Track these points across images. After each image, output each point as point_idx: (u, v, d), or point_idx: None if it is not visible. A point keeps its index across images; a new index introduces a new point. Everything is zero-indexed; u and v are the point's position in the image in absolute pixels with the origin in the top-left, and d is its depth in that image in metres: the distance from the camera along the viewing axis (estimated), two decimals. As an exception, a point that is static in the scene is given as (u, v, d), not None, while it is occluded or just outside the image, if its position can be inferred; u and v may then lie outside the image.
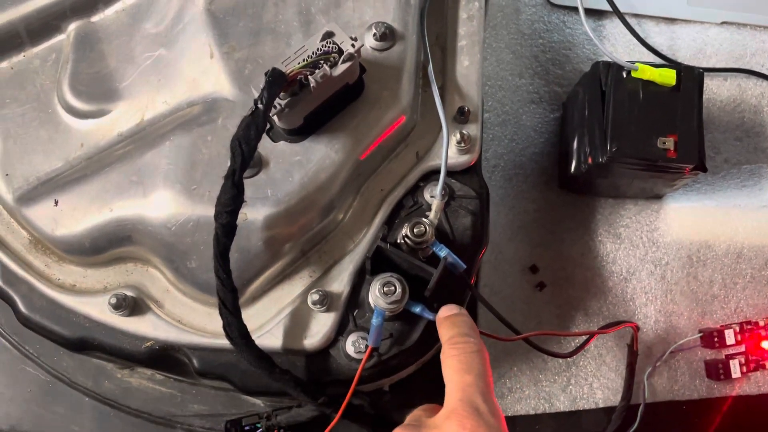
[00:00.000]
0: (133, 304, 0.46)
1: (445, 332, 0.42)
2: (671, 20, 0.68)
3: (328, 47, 0.42)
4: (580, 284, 0.61)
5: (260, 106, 0.39)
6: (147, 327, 0.46)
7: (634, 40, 0.66)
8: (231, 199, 0.40)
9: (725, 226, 0.62)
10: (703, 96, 0.66)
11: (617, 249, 0.62)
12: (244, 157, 0.40)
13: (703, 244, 0.62)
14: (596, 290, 0.61)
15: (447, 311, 0.43)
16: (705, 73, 0.66)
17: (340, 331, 0.47)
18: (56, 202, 0.46)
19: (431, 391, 0.58)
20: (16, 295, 0.48)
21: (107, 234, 0.46)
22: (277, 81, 0.40)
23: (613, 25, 0.68)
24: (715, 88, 0.67)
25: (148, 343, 0.47)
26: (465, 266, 0.45)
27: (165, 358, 0.48)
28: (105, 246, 0.47)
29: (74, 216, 0.46)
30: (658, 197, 0.63)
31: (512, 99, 0.66)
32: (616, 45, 0.67)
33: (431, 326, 0.47)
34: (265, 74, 0.40)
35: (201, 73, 0.47)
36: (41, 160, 0.48)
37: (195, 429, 0.57)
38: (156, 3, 0.50)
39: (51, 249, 0.48)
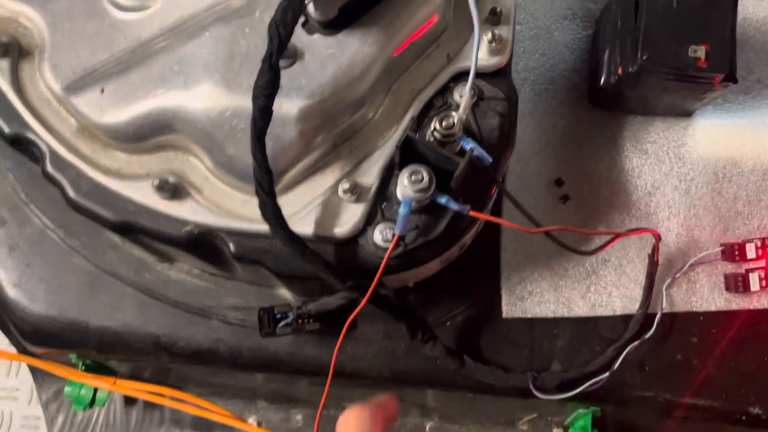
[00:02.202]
0: (174, 189, 0.49)
1: None
2: (712, -63, 0.67)
3: (362, -62, 0.43)
4: (604, 198, 0.62)
5: (297, -10, 0.41)
6: (187, 211, 0.49)
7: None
8: (268, 83, 0.42)
9: (753, 143, 0.62)
10: (740, 16, 0.65)
11: (643, 164, 0.63)
12: (281, 40, 0.41)
13: (729, 161, 0.62)
14: (620, 204, 0.62)
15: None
16: (743, -9, 0.66)
17: (369, 222, 0.49)
18: (102, 91, 0.49)
19: (454, 290, 0.61)
20: (65, 179, 0.50)
21: (150, 122, 0.48)
22: (314, -33, 0.41)
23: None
24: (751, 8, 0.66)
25: (188, 228, 0.50)
26: (491, 159, 0.47)
27: (203, 243, 0.50)
28: (148, 133, 0.49)
29: (119, 104, 0.49)
30: (687, 114, 0.63)
31: (545, 14, 0.66)
32: (654, -40, 0.66)
33: (456, 219, 0.49)
34: (303, -40, 0.41)
35: (240, -31, 0.49)
36: (87, 52, 0.50)
37: (229, 320, 0.61)
38: None
39: (97, 136, 0.50)
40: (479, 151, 0.46)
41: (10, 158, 0.63)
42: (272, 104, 0.43)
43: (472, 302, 0.60)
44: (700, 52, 0.53)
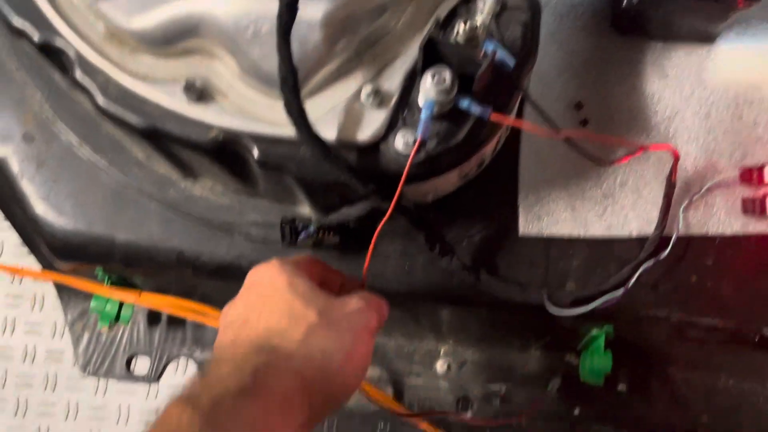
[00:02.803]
0: (200, 92, 0.50)
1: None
2: None
3: None
4: (624, 121, 0.62)
5: None
6: (212, 115, 0.50)
7: None
8: (294, -23, 0.43)
9: (776, 68, 0.62)
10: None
11: (663, 88, 0.63)
12: (308, -66, 0.42)
13: (751, 85, 0.62)
14: (639, 128, 0.62)
15: None
16: None
17: (390, 128, 0.50)
18: (132, -6, 0.50)
19: (472, 209, 0.62)
20: (93, 84, 0.51)
21: (176, 26, 0.49)
22: None
23: None
24: (779, -67, 0.65)
25: (213, 133, 0.51)
26: (514, 62, 0.47)
27: (227, 149, 0.51)
28: (175, 37, 0.50)
29: (146, 8, 0.49)
30: (710, 39, 0.63)
31: (569, -63, 0.65)
32: None
33: (477, 126, 0.49)
34: None
35: None
36: (115, -42, 0.51)
37: (252, 235, 0.62)
38: None
39: (125, 41, 0.51)
40: (502, 54, 0.47)
41: (38, 76, 0.65)
42: (297, 1, 0.43)
43: (489, 221, 0.61)
44: (724, -33, 0.53)
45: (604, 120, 0.63)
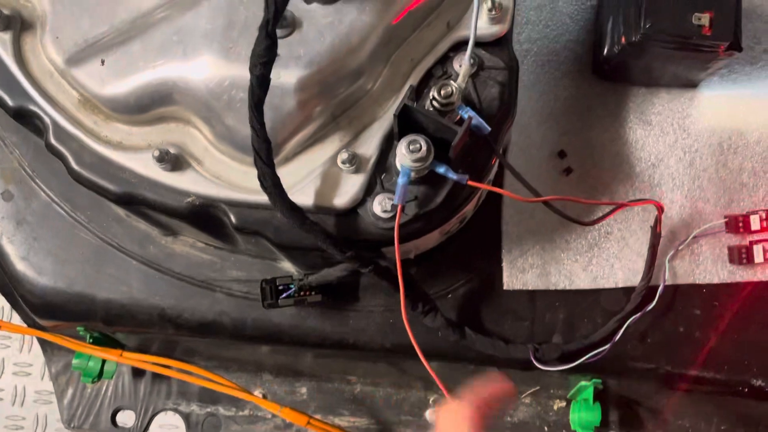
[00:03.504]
0: (174, 160, 0.49)
1: None
2: None
3: None
4: (608, 169, 0.62)
5: (293, -43, 0.41)
6: (188, 182, 0.50)
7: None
8: (265, 50, 0.42)
9: (759, 114, 0.61)
10: (748, -16, 0.64)
11: (647, 135, 0.62)
12: (277, 7, 0.41)
13: (735, 132, 0.61)
14: (623, 176, 0.62)
15: None
16: (752, -41, 0.64)
17: (368, 192, 0.49)
18: (103, 62, 0.49)
19: (455, 263, 0.61)
20: (67, 151, 0.51)
21: (150, 93, 0.49)
22: (309, -67, 0.41)
23: None
24: (760, -24, 0.65)
25: (189, 199, 0.50)
26: (489, 129, 0.46)
27: (204, 214, 0.51)
28: (148, 104, 0.49)
29: (120, 75, 0.49)
30: (692, 85, 0.62)
31: (549, -17, 0.65)
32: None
33: (456, 190, 0.49)
34: (299, -74, 0.41)
35: (238, -62, 0.49)
36: (88, 24, 0.50)
37: (233, 292, 0.61)
38: None
39: (99, 108, 0.51)
40: (478, 120, 0.46)
41: (15, 133, 0.64)
42: (270, 72, 0.43)
43: (473, 275, 0.60)
44: (704, 19, 0.53)
45: (587, 168, 0.62)
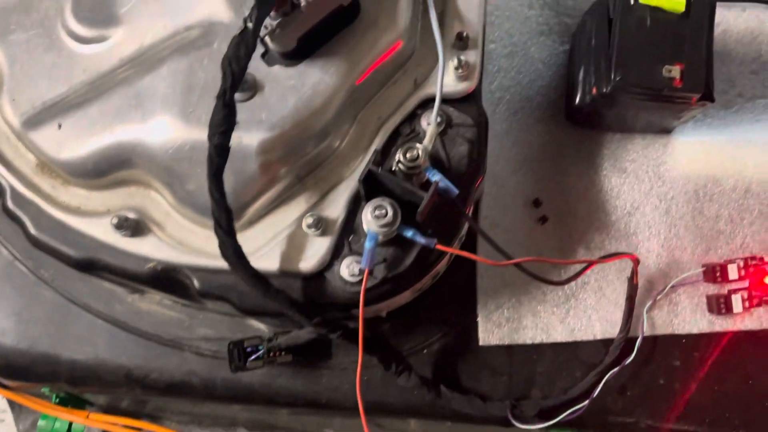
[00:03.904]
0: (135, 226, 0.48)
1: None
2: (690, -52, 0.66)
3: (321, -33, 0.42)
4: (583, 218, 0.61)
5: (249, 24, 0.39)
6: (149, 248, 0.48)
7: (650, -31, 0.64)
8: (223, 119, 0.41)
9: (735, 160, 0.61)
10: (720, 28, 0.64)
11: (622, 183, 0.61)
12: (234, 77, 0.40)
13: (710, 179, 0.61)
14: (599, 224, 0.61)
15: None
16: (722, 4, 0.64)
17: (335, 255, 0.48)
18: (59, 126, 0.48)
19: (429, 318, 0.60)
20: (25, 216, 0.49)
21: (109, 157, 0.47)
22: (266, 0, 0.40)
23: (629, -46, 0.65)
24: (732, 20, 0.64)
25: (151, 264, 0.48)
26: (457, 191, 0.45)
27: (167, 278, 0.49)
28: (107, 169, 0.48)
29: (77, 139, 0.47)
30: (666, 131, 0.62)
31: (520, 30, 0.64)
32: (631, -26, 0.65)
33: (425, 252, 0.48)
34: (255, -7, 0.40)
35: (198, -2, 0.47)
36: (46, 86, 0.49)
37: (202, 351, 0.60)
38: (154, -73, 0.49)
39: (57, 172, 0.49)
40: (445, 183, 0.45)
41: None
42: (228, 141, 0.41)
43: (448, 329, 0.59)
44: (674, 71, 0.52)
45: (563, 216, 0.61)
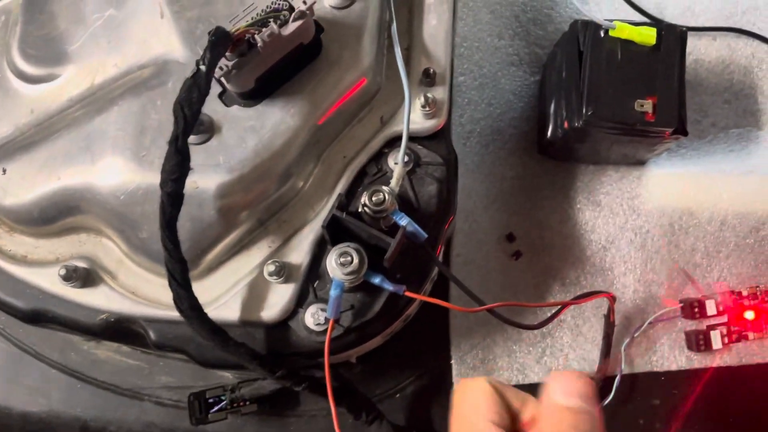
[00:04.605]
0: (85, 276, 0.45)
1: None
2: (659, -23, 0.65)
3: (278, 4, 0.40)
4: (558, 253, 0.59)
5: (202, 67, 0.37)
6: (100, 299, 0.45)
7: (620, -2, 0.64)
8: (175, 166, 0.38)
9: (709, 192, 0.60)
10: (692, 57, 0.64)
11: (596, 217, 0.60)
12: (187, 122, 0.38)
13: (685, 211, 0.59)
14: (574, 259, 0.59)
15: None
16: (693, 33, 0.64)
17: (300, 302, 0.45)
18: (4, 171, 0.45)
19: (402, 361, 0.57)
20: (-32, 266, 0.46)
21: (56, 203, 0.44)
22: (220, 41, 0.38)
23: (599, -18, 0.65)
24: (703, 49, 0.64)
25: (103, 316, 0.46)
26: (426, 236, 0.43)
27: (121, 330, 0.46)
28: (55, 215, 0.45)
29: (23, 184, 0.45)
30: (640, 163, 0.61)
31: (490, 61, 0.63)
32: (600, 3, 0.64)
33: (394, 298, 0.45)
34: (208, 34, 0.38)
35: (151, 34, 0.45)
36: (-10, 127, 0.46)
37: (163, 401, 0.57)
38: (105, -40, 0.47)
39: (1, 219, 0.46)
40: (413, 227, 0.43)
41: None
42: (182, 189, 0.39)
43: (421, 372, 0.57)
44: (647, 105, 0.51)
45: (537, 252, 0.60)
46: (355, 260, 0.42)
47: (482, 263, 0.59)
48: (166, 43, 0.45)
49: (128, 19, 0.46)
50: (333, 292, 0.43)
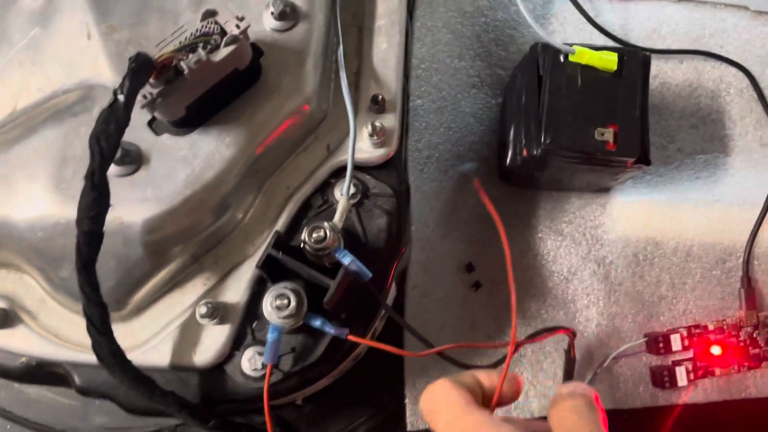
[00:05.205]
0: (3, 316, 0.42)
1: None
2: (626, -3, 0.63)
3: (209, 28, 0.37)
4: (519, 284, 0.57)
5: (120, 96, 0.34)
6: (18, 342, 0.42)
7: (584, 19, 0.61)
8: (92, 203, 0.35)
9: (675, 221, 0.57)
10: (658, 80, 0.62)
11: (558, 247, 0.57)
12: (104, 156, 0.35)
13: (650, 242, 0.57)
14: (535, 291, 0.57)
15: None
16: (659, 56, 0.62)
17: (237, 345, 0.42)
18: None
19: (354, 399, 0.54)
20: None
21: (-30, 237, 0.41)
22: (141, 68, 0.35)
23: (562, 2, 0.63)
24: (670, 72, 0.62)
25: (24, 359, 0.42)
26: (371, 275, 0.40)
27: (45, 374, 0.43)
28: (-31, 251, 0.42)
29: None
30: (605, 190, 0.58)
31: (450, 83, 0.60)
32: (565, 24, 0.62)
33: (338, 341, 0.42)
34: (129, 60, 0.35)
35: (78, 56, 0.42)
36: None
37: (99, 443, 0.53)
38: (30, -24, 0.44)
39: None
40: (357, 266, 0.40)
41: None
42: (101, 227, 0.36)
43: (374, 412, 0.54)
44: (607, 134, 0.48)
45: (497, 282, 0.57)
46: (293, 303, 0.39)
47: (440, 295, 0.56)
48: (93, 66, 0.42)
49: (53, 40, 0.43)
50: (270, 336, 0.40)
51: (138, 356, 0.40)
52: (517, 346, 0.49)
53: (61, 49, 0.42)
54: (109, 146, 0.35)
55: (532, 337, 0.49)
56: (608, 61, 0.49)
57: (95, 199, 0.35)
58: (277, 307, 0.39)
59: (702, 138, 0.61)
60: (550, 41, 0.49)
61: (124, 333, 0.41)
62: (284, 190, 0.45)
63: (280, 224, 0.44)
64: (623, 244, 0.57)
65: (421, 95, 0.59)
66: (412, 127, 0.58)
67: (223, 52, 0.37)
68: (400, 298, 0.55)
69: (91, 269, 0.36)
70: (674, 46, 0.62)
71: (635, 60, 0.50)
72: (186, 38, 0.37)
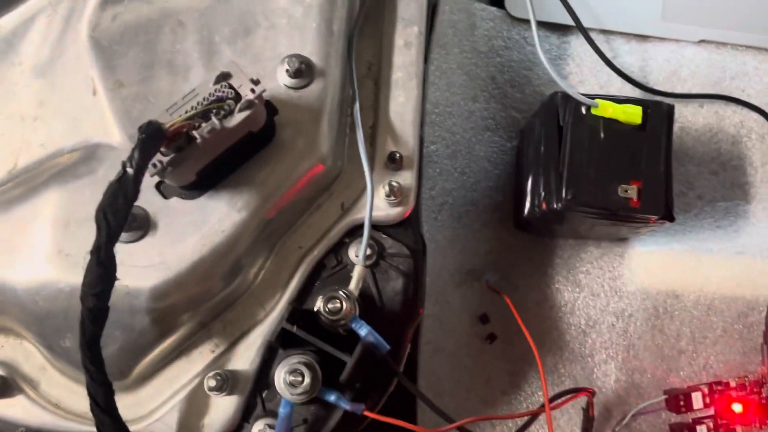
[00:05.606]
0: (2, 385, 0.40)
1: None
2: (643, 38, 0.62)
3: (223, 92, 0.35)
4: (535, 337, 0.54)
5: (129, 170, 0.32)
6: (17, 411, 0.40)
7: (602, 61, 0.60)
8: (97, 279, 0.33)
9: (695, 273, 0.56)
10: (677, 125, 0.60)
11: (576, 298, 0.56)
12: (111, 231, 0.33)
13: (670, 294, 0.56)
14: (552, 344, 0.55)
15: None
16: (679, 100, 0.60)
17: (246, 416, 0.40)
18: None
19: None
20: None
21: (-33, 303, 0.39)
22: (152, 138, 0.33)
23: (579, 42, 0.61)
24: (690, 116, 0.60)
25: (21, 429, 0.40)
26: (388, 347, 0.39)
27: (43, 442, 0.41)
28: (-34, 317, 0.40)
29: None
30: (623, 239, 0.57)
31: (464, 127, 0.59)
32: (582, 65, 0.61)
33: (351, 414, 0.40)
34: (138, 129, 0.33)
35: (82, 112, 0.40)
36: None
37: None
38: (34, 28, 0.42)
39: None
40: (374, 338, 0.38)
41: None
42: (106, 303, 0.34)
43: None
44: (631, 191, 0.47)
45: (512, 335, 0.55)
46: (307, 380, 0.37)
47: (453, 350, 0.55)
48: (99, 123, 0.40)
49: (58, 94, 0.41)
50: (282, 411, 0.38)
51: (143, 429, 0.39)
52: (536, 415, 0.47)
53: (65, 105, 0.41)
54: (116, 221, 0.33)
55: (555, 403, 0.47)
56: (632, 114, 0.47)
57: (101, 275, 0.33)
58: (290, 383, 0.37)
59: (722, 185, 0.60)
60: (571, 93, 0.48)
61: (129, 403, 0.40)
62: (296, 251, 0.43)
63: (293, 287, 0.42)
64: (643, 296, 0.55)
65: (435, 140, 0.57)
66: (425, 174, 0.56)
67: (238, 117, 0.35)
68: (413, 352, 0.53)
69: (95, 347, 0.34)
70: (694, 89, 0.61)
71: (659, 112, 0.48)
72: (199, 103, 0.35)
